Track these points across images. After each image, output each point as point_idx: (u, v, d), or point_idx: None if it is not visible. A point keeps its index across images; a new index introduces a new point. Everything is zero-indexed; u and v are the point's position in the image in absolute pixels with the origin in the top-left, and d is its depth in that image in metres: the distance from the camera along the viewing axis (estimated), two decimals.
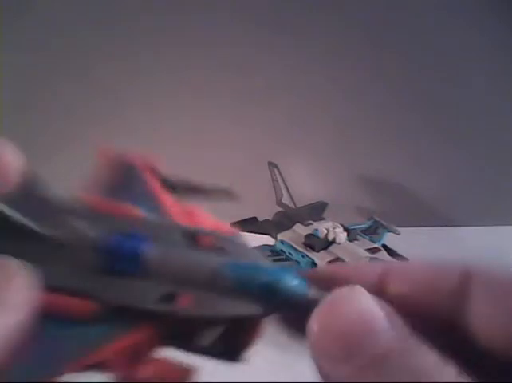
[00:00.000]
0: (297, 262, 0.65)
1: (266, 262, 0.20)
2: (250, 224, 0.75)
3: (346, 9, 0.84)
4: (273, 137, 0.83)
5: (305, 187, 0.85)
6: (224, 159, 0.81)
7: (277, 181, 0.79)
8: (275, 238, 0.70)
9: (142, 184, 0.24)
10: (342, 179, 0.87)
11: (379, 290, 0.18)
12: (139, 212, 0.22)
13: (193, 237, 0.21)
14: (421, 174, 0.89)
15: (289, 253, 0.66)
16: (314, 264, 0.63)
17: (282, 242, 0.68)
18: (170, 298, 0.19)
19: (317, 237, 0.66)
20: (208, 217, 0.22)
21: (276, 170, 0.79)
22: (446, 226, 0.86)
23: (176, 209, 0.23)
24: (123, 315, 0.19)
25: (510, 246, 0.77)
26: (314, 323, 0.17)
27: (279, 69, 0.85)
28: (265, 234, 0.73)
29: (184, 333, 0.20)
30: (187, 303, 0.19)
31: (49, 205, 0.21)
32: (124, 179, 0.24)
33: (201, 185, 0.26)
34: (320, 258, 0.63)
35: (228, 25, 0.82)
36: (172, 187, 0.25)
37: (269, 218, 0.77)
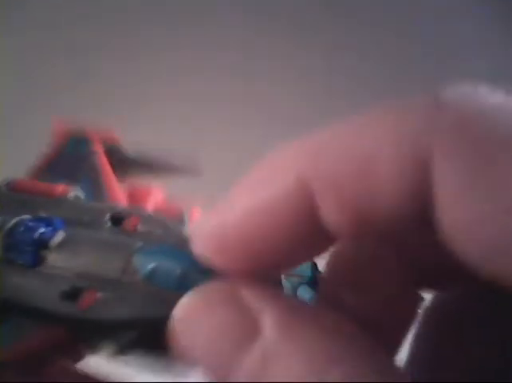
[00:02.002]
0: None
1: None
2: None
3: (346, 9, 0.83)
4: (273, 137, 0.83)
5: None
6: (224, 160, 0.81)
7: None
8: None
9: (89, 161, 0.21)
10: None
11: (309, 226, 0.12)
12: (73, 192, 0.19)
13: (120, 219, 0.18)
14: None
15: None
16: (314, 264, 0.63)
17: None
18: (72, 295, 0.16)
19: None
20: (159, 198, 0.20)
21: None
22: None
23: (119, 189, 0.21)
24: (17, 314, 0.16)
25: None
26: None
27: (279, 70, 0.85)
28: None
29: (90, 339, 0.16)
30: (88, 303, 0.15)
31: None
32: (71, 153, 0.22)
33: (162, 159, 0.24)
34: (320, 258, 0.63)
35: (227, 26, 0.82)
36: (132, 162, 0.23)
37: None
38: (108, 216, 0.18)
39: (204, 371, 0.12)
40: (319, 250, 0.14)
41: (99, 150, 0.23)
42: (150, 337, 0.15)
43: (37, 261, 0.17)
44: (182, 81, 0.83)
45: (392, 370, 0.12)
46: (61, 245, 0.17)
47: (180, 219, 0.19)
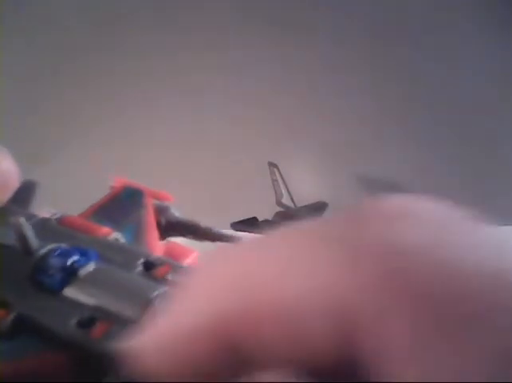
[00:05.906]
0: None
1: None
2: (250, 224, 0.75)
3: (346, 9, 0.84)
4: (273, 137, 0.83)
5: (305, 187, 0.85)
6: (224, 160, 0.81)
7: (277, 181, 0.80)
8: None
9: (137, 213, 0.23)
10: (342, 179, 0.87)
11: None
12: (114, 234, 0.20)
13: (151, 265, 0.18)
14: (421, 174, 0.89)
15: None
16: None
17: None
18: (88, 323, 0.16)
19: None
20: (194, 260, 0.21)
21: (276, 170, 0.79)
22: None
23: (158, 246, 0.22)
24: (32, 332, 0.16)
25: (509, 247, 0.77)
26: None
27: (279, 70, 0.85)
28: None
29: (92, 370, 0.16)
30: (100, 333, 0.16)
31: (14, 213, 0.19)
32: (123, 201, 0.23)
33: (208, 229, 0.25)
34: None
35: (228, 25, 0.82)
36: (180, 227, 0.24)
37: (269, 218, 0.77)
38: (141, 261, 0.18)
39: None
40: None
41: (149, 205, 0.24)
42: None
43: (63, 286, 0.17)
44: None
45: None
46: (89, 276, 0.18)
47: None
